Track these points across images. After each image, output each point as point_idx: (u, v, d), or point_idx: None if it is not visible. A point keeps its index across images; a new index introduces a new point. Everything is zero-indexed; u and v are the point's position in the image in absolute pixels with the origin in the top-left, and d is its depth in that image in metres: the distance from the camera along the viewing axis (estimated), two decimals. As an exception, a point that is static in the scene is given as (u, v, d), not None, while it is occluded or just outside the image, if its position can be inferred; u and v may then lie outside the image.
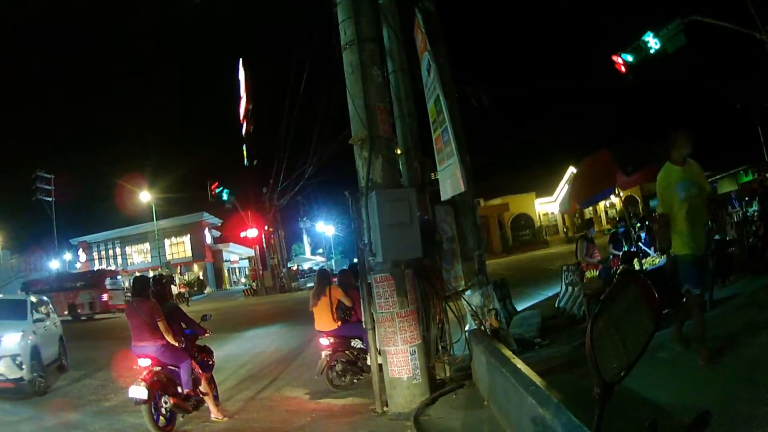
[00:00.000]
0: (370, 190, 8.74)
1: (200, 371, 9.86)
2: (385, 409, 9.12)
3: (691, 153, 8.06)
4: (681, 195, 7.89)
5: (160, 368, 9.27)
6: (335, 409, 10.25)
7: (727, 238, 17.12)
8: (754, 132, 37.47)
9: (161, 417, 9.04)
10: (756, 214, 17.46)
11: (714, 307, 11.49)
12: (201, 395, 9.81)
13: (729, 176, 31.33)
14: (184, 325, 10.11)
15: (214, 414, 9.82)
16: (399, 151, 9.93)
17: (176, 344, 9.43)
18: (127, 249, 73.84)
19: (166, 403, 9.12)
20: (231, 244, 71.34)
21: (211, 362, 10.51)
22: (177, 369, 9.42)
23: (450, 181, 9.01)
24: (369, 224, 8.66)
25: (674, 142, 8.10)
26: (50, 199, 56.24)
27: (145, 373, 9.04)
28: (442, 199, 9.77)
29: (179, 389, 9.43)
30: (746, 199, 24.25)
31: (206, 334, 10.43)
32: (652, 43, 22.67)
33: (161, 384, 9.12)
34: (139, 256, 72.97)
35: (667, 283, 13.02)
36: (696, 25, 22.32)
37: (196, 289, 62.44)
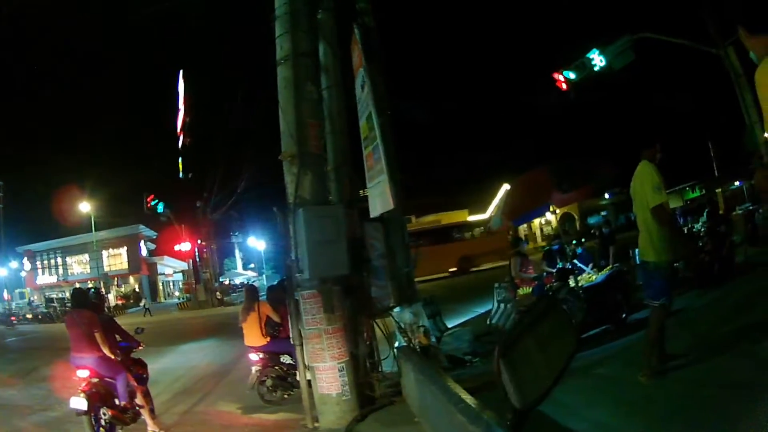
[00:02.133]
0: (299, 206, 8.69)
1: (136, 384, 9.74)
2: (316, 425, 9.05)
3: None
4: (639, 199, 7.80)
5: (98, 380, 9.19)
6: (267, 424, 10.27)
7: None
8: (704, 149, 38.26)
9: (101, 429, 8.97)
10: (703, 230, 17.73)
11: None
12: (138, 408, 9.73)
13: (675, 192, 31.82)
14: (119, 338, 10.03)
15: (151, 427, 9.73)
16: (329, 168, 9.90)
17: (112, 356, 9.33)
18: (68, 259, 72.70)
19: (105, 414, 9.06)
20: (166, 257, 70.75)
21: (145, 375, 10.38)
22: (114, 381, 9.35)
23: (380, 198, 9.01)
24: (297, 240, 8.62)
25: (650, 151, 7.93)
26: None
27: (84, 384, 8.97)
28: (372, 215, 9.77)
29: (116, 401, 9.37)
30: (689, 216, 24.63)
31: (140, 347, 10.36)
32: (597, 60, 22.78)
33: (100, 395, 9.08)
34: (79, 266, 71.88)
35: (607, 299, 13.25)
36: (646, 42, 22.59)
37: (132, 301, 61.87)
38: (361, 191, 10.58)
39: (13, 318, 49.74)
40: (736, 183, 34.93)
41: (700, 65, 24.14)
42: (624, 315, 13.28)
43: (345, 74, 10.47)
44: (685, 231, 19.89)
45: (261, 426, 10.21)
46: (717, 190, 36.69)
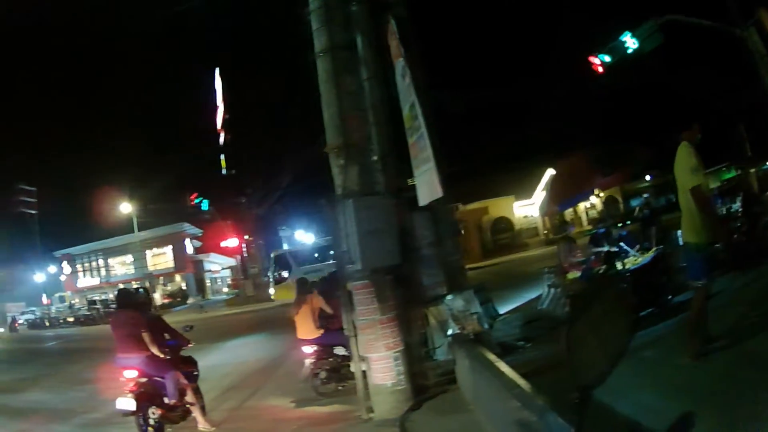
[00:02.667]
0: (347, 197, 8.74)
1: (185, 382, 9.76)
2: (370, 415, 9.08)
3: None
4: (682, 181, 7.63)
5: (146, 379, 9.19)
6: (320, 417, 10.26)
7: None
8: (735, 129, 37.62)
9: (149, 428, 8.96)
10: (739, 211, 17.45)
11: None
12: (187, 406, 9.74)
13: (712, 173, 31.33)
14: (167, 336, 10.05)
15: (201, 424, 9.77)
16: (375, 158, 9.89)
17: (161, 355, 9.36)
18: (110, 261, 72.96)
19: (153, 414, 9.05)
20: (212, 254, 70.81)
21: (195, 372, 10.41)
22: (162, 380, 9.34)
23: (427, 186, 8.98)
24: (346, 232, 8.63)
25: (689, 133, 7.81)
26: (33, 212, 55.99)
27: (131, 384, 8.97)
28: (420, 204, 9.75)
29: (165, 400, 9.35)
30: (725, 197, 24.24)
31: (189, 345, 10.39)
32: (630, 42, 22.62)
33: (148, 395, 9.07)
34: (122, 267, 72.04)
35: (653, 281, 13.11)
36: (673, 25, 22.32)
37: (178, 300, 62.21)
38: (408, 180, 10.57)
39: (16, 323, 50.60)
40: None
41: (727, 46, 23.74)
42: (669, 297, 13.17)
43: (384, 66, 10.48)
44: (723, 212, 19.69)
45: (314, 419, 10.20)
46: (751, 170, 36.11)
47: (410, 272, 9.61)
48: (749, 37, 21.10)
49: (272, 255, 39.56)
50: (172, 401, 9.37)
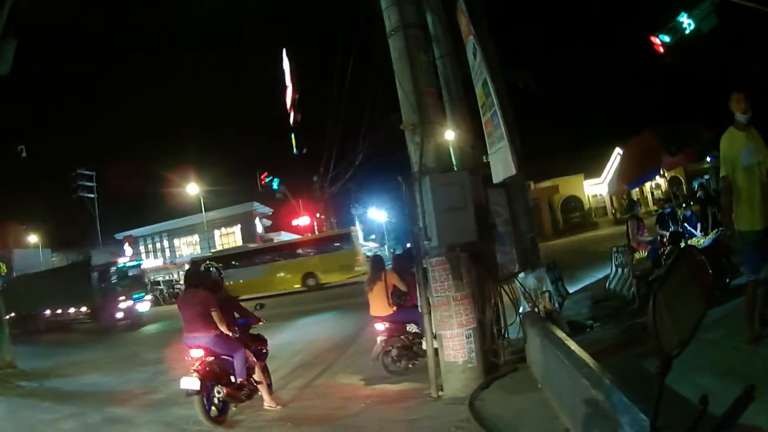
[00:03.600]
0: (423, 174, 8.76)
1: (254, 360, 9.90)
2: (440, 393, 9.12)
3: (750, 117, 7.57)
4: (745, 161, 7.43)
5: (213, 358, 9.31)
6: (390, 395, 10.29)
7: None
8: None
9: (213, 407, 9.08)
10: None
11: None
12: (255, 384, 9.84)
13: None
14: (237, 315, 10.16)
15: (267, 402, 9.86)
16: (450, 136, 9.88)
17: (230, 334, 9.45)
18: (175, 241, 73.32)
19: (219, 393, 9.15)
20: (282, 232, 70.79)
21: (264, 351, 10.54)
22: (230, 359, 9.47)
23: (501, 164, 8.96)
24: (423, 209, 8.67)
25: (730, 104, 7.67)
26: (92, 196, 57.01)
27: (197, 363, 9.09)
28: (494, 182, 9.72)
29: (233, 379, 9.47)
30: None
31: (260, 323, 10.51)
32: (687, 23, 22.31)
33: (214, 374, 9.17)
34: (188, 248, 72.39)
35: (713, 263, 12.89)
36: (728, 6, 21.85)
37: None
38: (483, 158, 10.54)
39: None
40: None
41: None
42: (727, 280, 13.01)
43: (455, 43, 10.46)
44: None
45: (384, 396, 10.22)
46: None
47: (485, 249, 9.61)
48: None
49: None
50: (240, 380, 9.47)
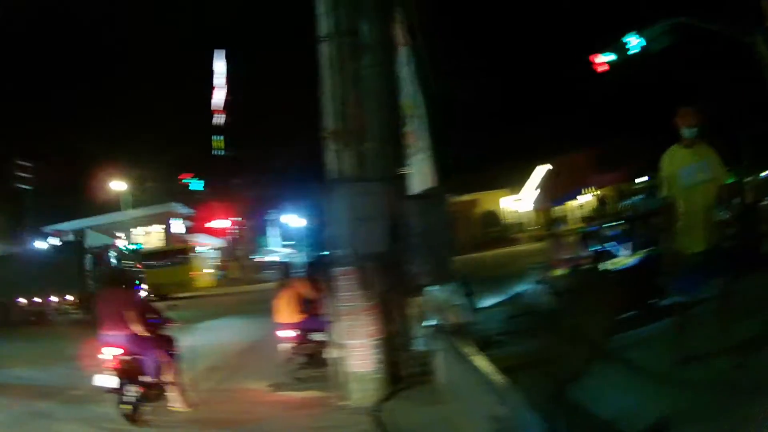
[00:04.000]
0: (339, 182, 8.72)
1: (166, 360, 9.77)
2: (345, 402, 9.13)
3: (698, 133, 7.29)
4: (685, 181, 7.22)
5: (128, 357, 9.24)
6: (296, 402, 10.30)
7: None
8: (733, 136, 37.40)
9: (128, 405, 9.01)
10: (730, 218, 17.46)
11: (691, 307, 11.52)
12: (166, 384, 9.75)
13: None
14: (150, 315, 10.04)
15: (178, 403, 9.77)
16: (371, 145, 9.86)
17: (144, 333, 9.40)
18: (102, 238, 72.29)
19: (133, 391, 9.12)
20: (201, 234, 70.45)
21: (175, 352, 10.40)
22: (143, 358, 9.40)
23: (420, 175, 9.02)
24: (336, 217, 8.64)
25: (676, 119, 7.38)
26: (28, 188, 55.82)
27: (114, 361, 9.03)
28: (412, 193, 9.74)
29: (145, 378, 9.40)
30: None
31: (172, 324, 10.50)
32: (635, 42, 22.65)
33: (129, 372, 9.11)
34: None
35: (640, 283, 13.13)
36: (685, 27, 22.28)
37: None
38: (401, 169, 10.55)
39: None
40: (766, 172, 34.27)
41: (737, 53, 23.68)
42: (656, 300, 13.23)
43: (389, 52, 10.45)
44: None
45: (289, 403, 10.24)
46: (746, 179, 36.04)
47: (396, 260, 9.59)
48: (757, 44, 21.09)
49: None
50: (152, 379, 9.44)
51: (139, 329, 9.27)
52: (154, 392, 9.54)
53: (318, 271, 11.16)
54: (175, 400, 9.76)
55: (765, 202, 25.97)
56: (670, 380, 7.23)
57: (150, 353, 9.42)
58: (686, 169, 7.25)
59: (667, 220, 7.71)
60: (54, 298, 27.68)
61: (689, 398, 6.53)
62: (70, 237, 36.58)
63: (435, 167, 8.45)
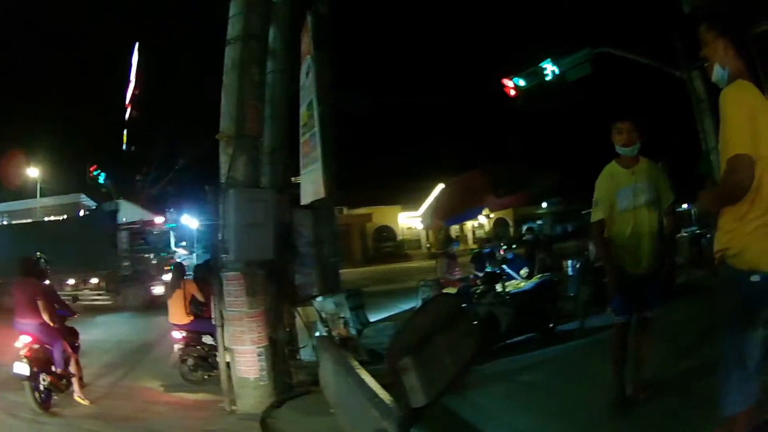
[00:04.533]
0: (230, 187, 8.65)
1: (70, 352, 9.88)
2: (234, 407, 9.03)
3: (637, 150, 6.47)
4: (622, 204, 6.39)
5: (38, 346, 9.39)
6: (188, 404, 10.28)
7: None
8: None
9: (39, 394, 9.12)
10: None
11: (586, 334, 11.66)
12: (72, 376, 9.85)
13: None
14: (57, 306, 10.10)
15: (78, 395, 9.84)
16: (264, 151, 9.82)
17: (52, 324, 9.51)
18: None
19: (44, 380, 9.25)
20: (103, 229, 69.18)
21: (77, 344, 10.49)
22: (51, 348, 9.52)
23: (312, 186, 9.01)
24: (225, 221, 8.57)
25: (613, 134, 6.56)
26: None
27: (26, 349, 9.16)
28: (303, 203, 9.74)
29: (53, 368, 9.52)
30: None
31: (75, 316, 10.69)
32: (550, 70, 22.72)
33: (40, 362, 9.25)
34: (27, 232, 69.68)
35: (535, 307, 13.30)
36: (608, 58, 22.40)
37: (71, 269, 60.73)
38: (293, 178, 10.52)
39: None
40: (684, 206, 34.96)
41: (660, 86, 23.96)
42: (552, 324, 13.38)
43: (292, 60, 10.43)
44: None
45: (182, 405, 10.20)
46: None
47: (284, 269, 9.57)
48: (692, 80, 21.35)
49: None
50: (59, 370, 9.57)
51: (47, 319, 9.40)
52: (62, 383, 9.66)
53: (207, 274, 11.06)
54: (75, 391, 9.86)
55: (683, 235, 26.69)
56: (562, 401, 7.30)
57: (57, 344, 9.56)
58: (624, 191, 6.43)
59: (601, 248, 7.24)
60: (70, 281, 24.90)
61: (581, 418, 6.62)
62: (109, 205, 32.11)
63: (326, 179, 8.44)
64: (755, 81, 3.94)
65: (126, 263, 24.77)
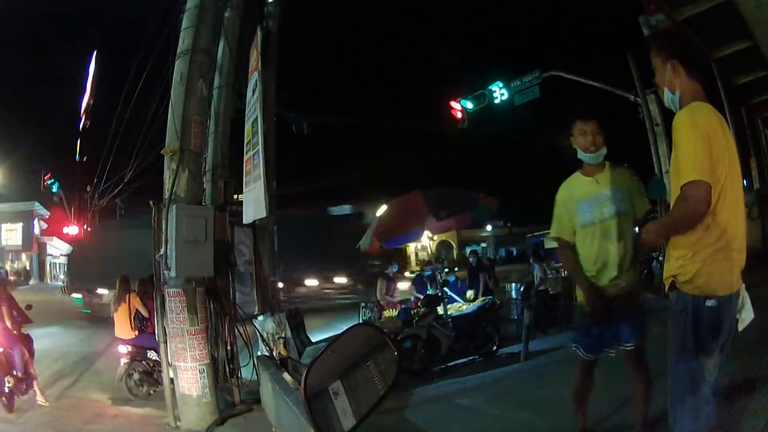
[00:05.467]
0: (173, 203, 8.56)
1: (28, 356, 10.06)
2: (178, 423, 8.94)
3: (602, 156, 5.47)
4: (583, 218, 5.45)
5: (2, 349, 9.62)
6: (134, 418, 10.17)
7: (551, 291, 17.63)
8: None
9: (3, 397, 9.36)
10: None
11: (529, 358, 11.70)
12: (31, 379, 10.06)
13: None
14: (14, 312, 10.18)
15: (41, 398, 10.06)
16: (207, 168, 9.76)
17: (12, 329, 9.80)
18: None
19: (8, 383, 9.44)
20: (55, 238, 68.37)
21: (33, 349, 10.55)
22: (11, 352, 9.70)
23: (254, 204, 8.97)
24: (167, 237, 8.50)
25: (571, 138, 5.62)
26: None
27: None
28: (244, 221, 9.71)
29: (14, 371, 9.67)
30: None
31: (30, 323, 10.65)
32: (498, 93, 22.80)
33: (2, 365, 9.49)
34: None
35: (476, 330, 13.35)
36: (559, 81, 22.50)
37: (22, 278, 60.05)
38: (236, 196, 10.47)
39: None
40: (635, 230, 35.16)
41: (614, 110, 24.11)
42: (495, 347, 13.44)
43: (239, 76, 10.40)
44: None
45: (128, 419, 10.11)
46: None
47: (223, 287, 9.50)
48: (645, 104, 21.53)
49: None
50: (19, 373, 9.77)
51: (8, 324, 9.69)
52: (23, 386, 9.86)
53: (151, 289, 11.00)
54: (38, 394, 10.13)
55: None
56: (499, 425, 7.31)
57: (17, 348, 9.79)
58: (585, 203, 5.47)
59: (568, 265, 6.13)
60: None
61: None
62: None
63: (267, 197, 8.40)
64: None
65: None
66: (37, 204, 64.39)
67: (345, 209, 32.37)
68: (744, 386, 6.12)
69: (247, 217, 9.47)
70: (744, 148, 21.77)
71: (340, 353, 2.69)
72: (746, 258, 3.76)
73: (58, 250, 71.49)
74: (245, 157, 9.53)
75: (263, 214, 8.64)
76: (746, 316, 3.77)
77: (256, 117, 9.01)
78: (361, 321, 16.05)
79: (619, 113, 23.19)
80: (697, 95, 3.86)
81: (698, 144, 3.56)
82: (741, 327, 3.76)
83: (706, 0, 14.13)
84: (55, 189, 46.38)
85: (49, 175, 45.33)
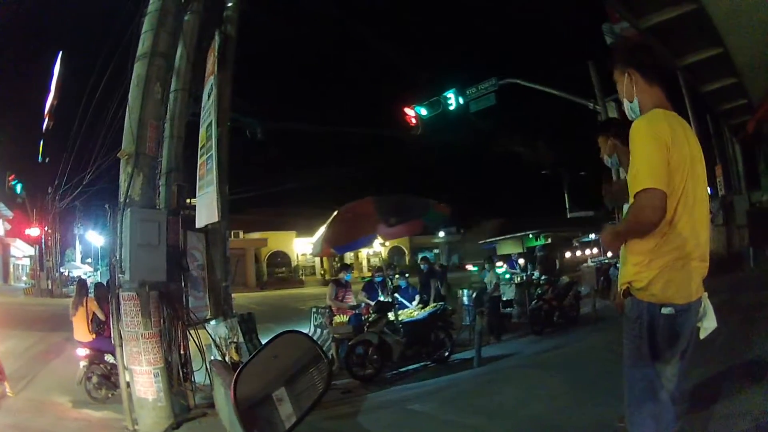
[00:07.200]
0: (127, 206, 8.53)
1: None
2: (135, 427, 8.89)
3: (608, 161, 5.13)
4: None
5: None
6: (94, 421, 10.09)
7: (504, 298, 17.71)
8: (561, 199, 38.36)
9: None
10: (543, 278, 17.80)
11: (482, 364, 11.74)
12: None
13: (515, 239, 31.46)
14: None
15: (9, 390, 10.49)
16: (161, 171, 9.73)
17: None
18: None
19: None
20: (18, 239, 67.78)
21: None
22: None
23: (206, 209, 8.94)
24: (122, 240, 8.47)
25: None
26: None
27: None
28: (197, 226, 9.69)
29: None
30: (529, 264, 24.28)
31: None
32: (453, 100, 22.81)
33: None
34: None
35: (428, 336, 13.38)
36: (516, 88, 22.56)
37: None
38: (189, 200, 10.43)
39: None
40: (592, 235, 35.08)
41: (573, 117, 24.22)
42: (447, 354, 13.48)
43: (196, 80, 10.36)
44: (524, 279, 20.28)
45: (88, 422, 10.04)
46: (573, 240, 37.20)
47: (176, 291, 9.47)
48: (605, 112, 21.63)
49: None
50: None
51: None
52: None
53: (107, 293, 10.98)
54: (8, 388, 10.51)
55: (589, 265, 26.91)
56: (451, 430, 7.32)
57: None
58: None
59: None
60: None
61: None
62: None
63: (219, 202, 8.38)
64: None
65: None
66: (1, 204, 63.77)
67: None
68: (710, 392, 6.20)
69: (200, 221, 9.43)
70: (709, 157, 21.94)
71: (271, 360, 2.70)
72: (710, 265, 3.70)
73: (21, 251, 70.83)
74: (199, 162, 9.49)
75: (215, 218, 8.62)
76: (708, 324, 3.74)
77: (211, 121, 9.00)
78: (312, 326, 16.08)
79: (581, 122, 23.32)
80: (657, 102, 3.84)
81: (654, 152, 3.53)
82: (703, 335, 3.74)
83: (673, 8, 14.19)
84: (18, 190, 45.92)
85: (13, 176, 44.83)
